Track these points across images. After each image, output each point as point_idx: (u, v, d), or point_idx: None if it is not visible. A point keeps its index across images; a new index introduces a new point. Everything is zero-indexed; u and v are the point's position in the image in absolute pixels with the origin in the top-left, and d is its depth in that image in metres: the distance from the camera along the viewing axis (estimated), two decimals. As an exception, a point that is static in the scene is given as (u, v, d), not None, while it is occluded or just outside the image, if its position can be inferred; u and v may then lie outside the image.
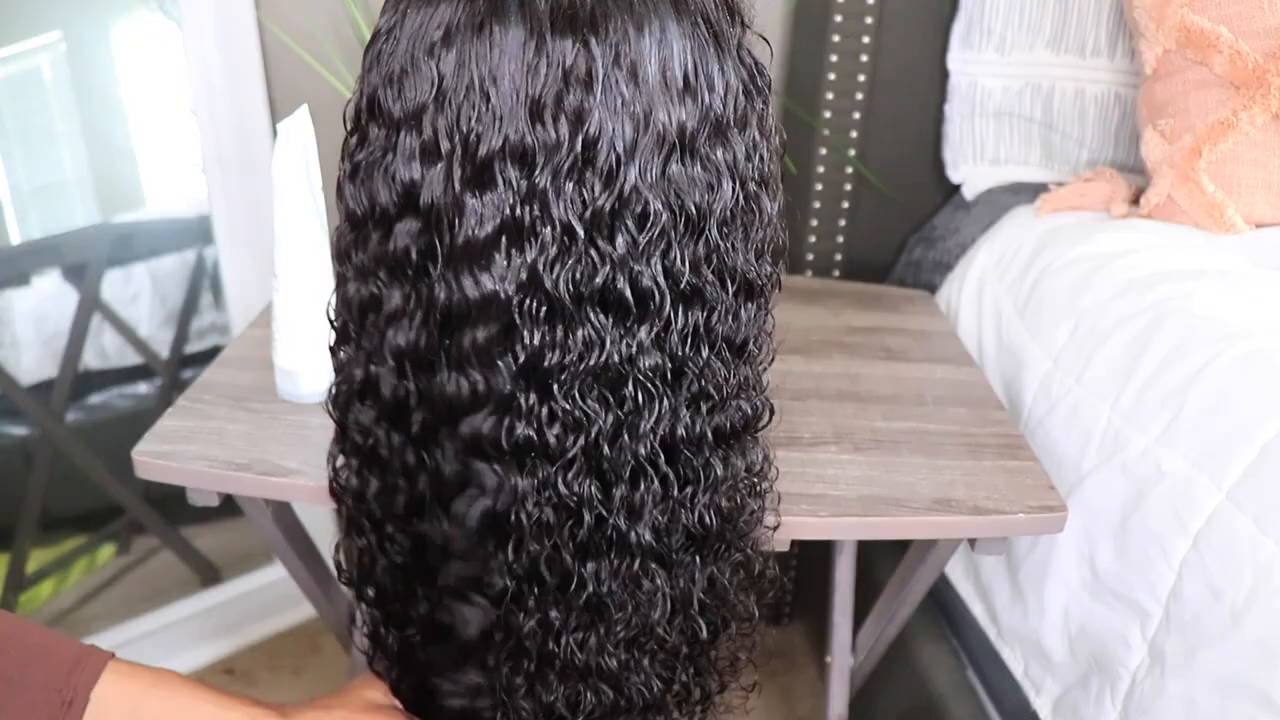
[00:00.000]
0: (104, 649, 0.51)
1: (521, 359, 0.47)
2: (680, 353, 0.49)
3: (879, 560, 1.13)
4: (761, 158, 0.50)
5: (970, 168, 1.20)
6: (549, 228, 0.45)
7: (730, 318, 0.51)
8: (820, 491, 0.71)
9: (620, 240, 0.46)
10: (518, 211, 0.45)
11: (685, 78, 0.45)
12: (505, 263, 0.46)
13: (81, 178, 1.37)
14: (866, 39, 1.10)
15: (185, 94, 1.17)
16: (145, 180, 1.43)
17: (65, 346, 1.36)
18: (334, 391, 0.55)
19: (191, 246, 1.45)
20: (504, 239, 0.45)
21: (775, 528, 0.63)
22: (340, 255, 0.51)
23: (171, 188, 1.45)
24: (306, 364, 0.76)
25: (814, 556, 1.34)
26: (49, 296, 1.39)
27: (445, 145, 0.45)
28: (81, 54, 1.30)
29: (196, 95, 1.17)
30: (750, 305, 0.52)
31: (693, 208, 0.47)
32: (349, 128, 0.49)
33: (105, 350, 1.46)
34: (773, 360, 0.57)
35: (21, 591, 1.37)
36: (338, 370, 0.55)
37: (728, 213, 0.48)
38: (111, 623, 1.31)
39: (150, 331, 1.48)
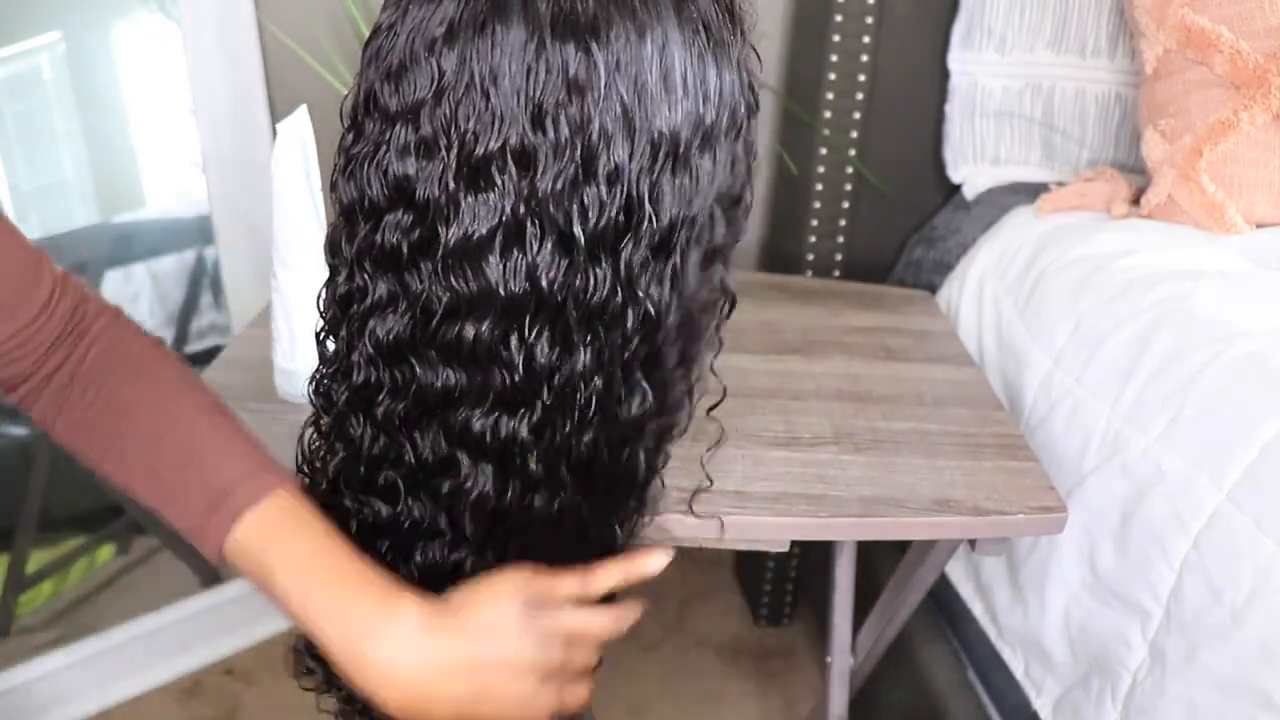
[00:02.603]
0: (272, 478, 0.52)
1: (516, 359, 0.47)
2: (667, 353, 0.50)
3: (879, 560, 1.13)
4: (747, 167, 0.51)
5: (971, 168, 1.20)
6: (547, 231, 0.45)
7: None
8: (820, 491, 0.71)
9: (619, 246, 0.46)
10: (517, 213, 0.45)
11: (685, 85, 0.45)
12: (500, 263, 0.46)
13: (81, 178, 1.37)
14: (866, 39, 1.10)
15: (185, 94, 1.17)
16: (145, 180, 1.43)
17: (65, 346, 1.36)
18: (318, 380, 0.56)
19: (191, 246, 1.45)
20: (499, 239, 0.45)
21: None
22: (331, 247, 0.51)
23: (171, 188, 1.45)
24: (306, 363, 0.76)
25: (814, 556, 1.34)
26: (49, 296, 1.39)
27: (442, 142, 0.45)
28: (81, 54, 1.30)
29: (196, 95, 1.17)
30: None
31: (687, 213, 0.47)
32: (345, 123, 0.49)
33: (105, 350, 1.46)
34: (719, 351, 0.57)
35: (21, 591, 1.37)
36: (323, 359, 0.55)
37: (715, 219, 0.49)
38: (111, 623, 1.31)
39: (150, 331, 1.48)
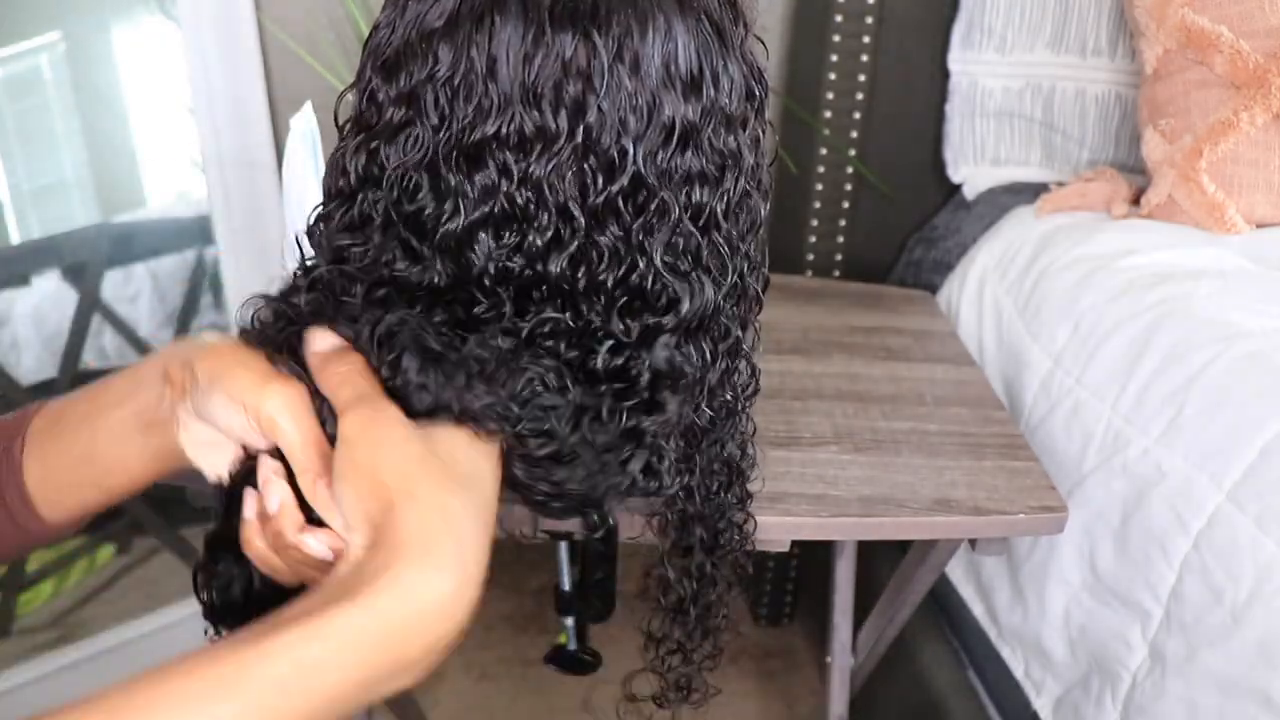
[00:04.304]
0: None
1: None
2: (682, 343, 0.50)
3: (879, 560, 1.13)
4: (759, 157, 0.50)
5: (971, 168, 1.20)
6: (545, 214, 0.45)
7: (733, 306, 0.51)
8: (820, 492, 0.71)
9: (622, 228, 0.46)
10: (516, 199, 0.45)
11: (690, 73, 0.45)
12: (492, 246, 0.46)
13: (81, 178, 1.37)
14: (866, 39, 1.10)
15: (185, 94, 1.17)
16: (145, 180, 1.43)
17: (65, 346, 1.36)
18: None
19: (191, 246, 1.45)
20: (492, 223, 0.45)
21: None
22: (310, 232, 0.51)
23: (171, 187, 1.45)
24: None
25: (814, 557, 1.34)
26: (49, 296, 1.39)
27: (438, 128, 0.45)
28: (82, 54, 1.30)
29: (196, 95, 1.17)
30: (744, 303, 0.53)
31: (697, 199, 0.47)
32: (342, 119, 0.50)
33: (105, 350, 1.47)
34: (759, 348, 0.57)
35: (21, 591, 1.37)
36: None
37: (729, 206, 0.49)
38: (111, 623, 1.31)
39: (150, 331, 1.48)
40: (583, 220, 0.45)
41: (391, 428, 0.41)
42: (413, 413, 0.43)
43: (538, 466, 0.47)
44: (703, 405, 0.54)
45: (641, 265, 0.47)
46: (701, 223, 0.48)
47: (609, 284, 0.47)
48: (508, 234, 0.45)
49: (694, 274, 0.48)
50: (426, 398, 0.43)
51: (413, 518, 0.38)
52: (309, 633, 0.34)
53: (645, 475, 0.52)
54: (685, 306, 0.48)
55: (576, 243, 0.46)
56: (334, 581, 0.37)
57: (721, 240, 0.49)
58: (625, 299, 0.48)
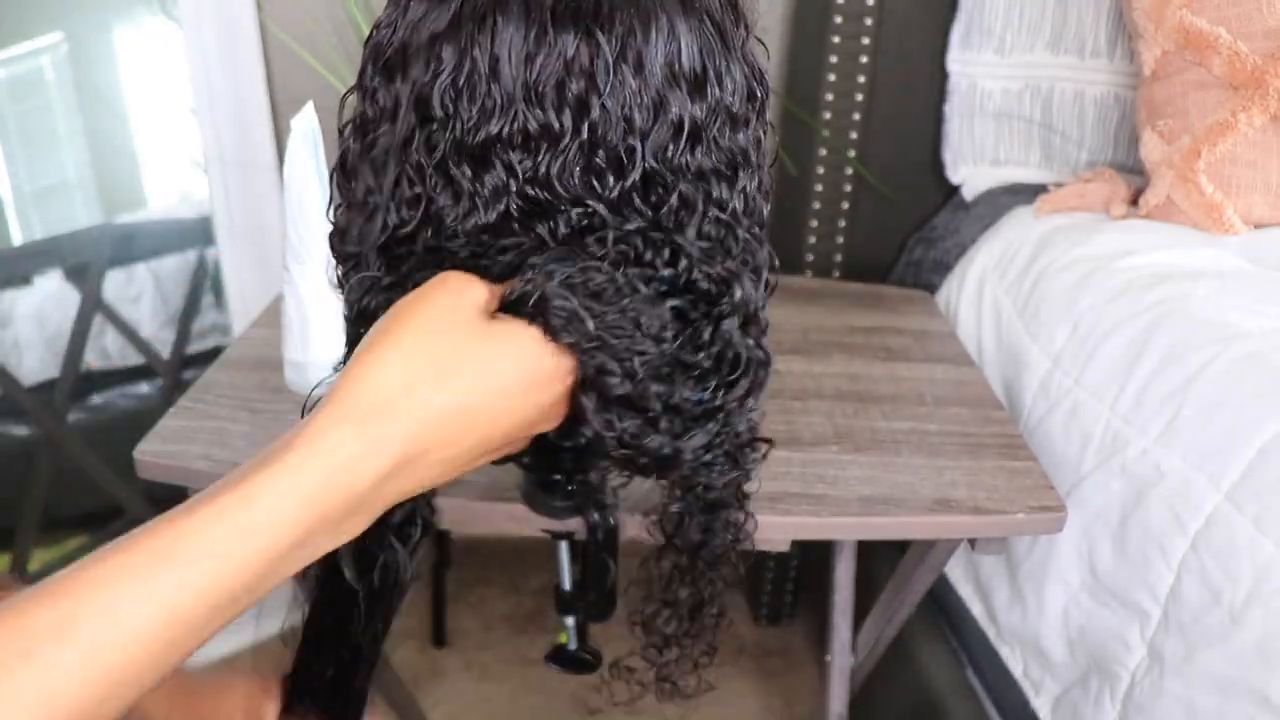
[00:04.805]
0: None
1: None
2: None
3: (879, 560, 1.13)
4: (760, 157, 0.51)
5: (970, 168, 1.20)
6: (564, 205, 0.45)
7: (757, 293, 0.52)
8: (820, 492, 0.71)
9: (645, 220, 0.46)
10: (528, 194, 0.45)
11: (694, 72, 0.46)
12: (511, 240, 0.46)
13: (83, 178, 1.38)
14: (866, 39, 1.10)
15: (187, 94, 1.18)
16: (147, 181, 1.43)
17: (67, 347, 1.36)
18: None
19: (193, 247, 1.46)
20: (512, 222, 0.45)
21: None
22: (339, 237, 0.51)
23: (173, 188, 1.45)
24: (316, 356, 0.77)
25: (814, 556, 1.34)
26: (51, 297, 1.39)
27: (442, 130, 0.45)
28: (83, 55, 1.31)
29: (198, 96, 1.17)
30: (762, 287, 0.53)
31: (718, 195, 0.47)
32: (344, 119, 0.50)
33: (107, 350, 1.47)
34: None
35: (23, 591, 1.37)
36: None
37: (748, 204, 0.49)
38: (113, 622, 1.31)
39: (152, 332, 1.48)
40: (603, 209, 0.45)
41: (445, 292, 0.42)
42: (510, 304, 0.43)
43: (610, 409, 0.45)
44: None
45: (681, 256, 0.47)
46: (727, 217, 0.48)
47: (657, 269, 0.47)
48: (538, 227, 0.46)
49: (732, 264, 0.48)
50: (535, 278, 0.43)
51: (354, 368, 0.40)
52: (238, 498, 0.36)
53: (706, 452, 0.50)
54: (737, 294, 0.48)
55: (610, 234, 0.46)
56: (284, 436, 0.39)
57: (747, 236, 0.49)
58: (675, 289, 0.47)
